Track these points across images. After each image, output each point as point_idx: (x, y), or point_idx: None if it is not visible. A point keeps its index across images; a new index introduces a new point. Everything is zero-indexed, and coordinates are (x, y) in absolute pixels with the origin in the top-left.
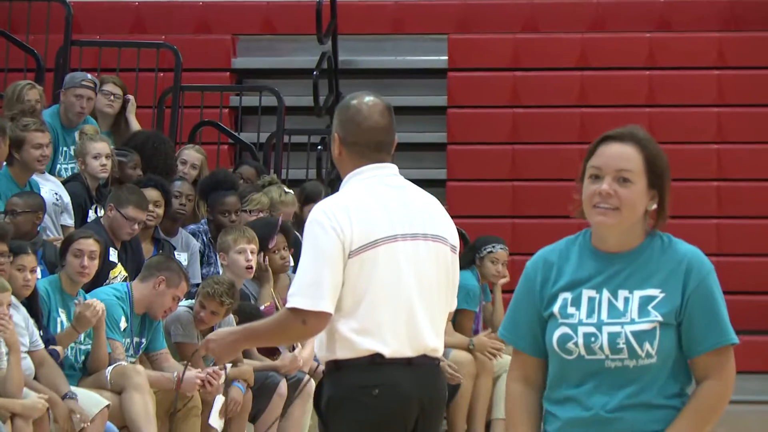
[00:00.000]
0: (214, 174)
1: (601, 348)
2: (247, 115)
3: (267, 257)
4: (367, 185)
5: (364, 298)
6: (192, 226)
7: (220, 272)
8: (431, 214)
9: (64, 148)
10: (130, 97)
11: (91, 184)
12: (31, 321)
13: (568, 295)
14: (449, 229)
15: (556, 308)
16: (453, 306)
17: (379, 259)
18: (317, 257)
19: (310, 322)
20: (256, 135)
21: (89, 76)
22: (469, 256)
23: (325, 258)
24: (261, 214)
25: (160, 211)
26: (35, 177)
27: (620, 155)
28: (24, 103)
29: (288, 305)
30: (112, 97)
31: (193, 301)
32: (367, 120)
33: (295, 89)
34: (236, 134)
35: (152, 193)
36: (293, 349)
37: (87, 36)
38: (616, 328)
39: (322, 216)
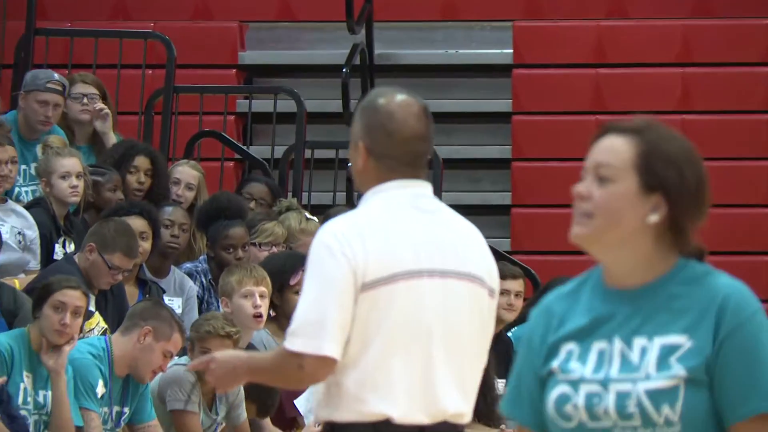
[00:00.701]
0: (215, 198)
1: (606, 412)
2: (259, 124)
3: (286, 298)
4: (391, 205)
5: (373, 343)
6: (188, 265)
7: None
8: (468, 248)
9: (23, 167)
10: (104, 107)
11: (58, 210)
12: None
13: (572, 347)
14: (489, 268)
15: (556, 363)
16: (484, 362)
17: (396, 298)
18: (323, 289)
19: (308, 367)
20: (270, 149)
21: (56, 76)
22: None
23: (333, 290)
24: (274, 249)
25: (147, 245)
26: None
27: (604, 148)
28: None
29: (285, 344)
30: (85, 100)
31: (187, 357)
32: (403, 127)
33: (319, 91)
34: (245, 147)
35: (137, 223)
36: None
37: (55, 23)
38: (627, 387)
39: (331, 239)
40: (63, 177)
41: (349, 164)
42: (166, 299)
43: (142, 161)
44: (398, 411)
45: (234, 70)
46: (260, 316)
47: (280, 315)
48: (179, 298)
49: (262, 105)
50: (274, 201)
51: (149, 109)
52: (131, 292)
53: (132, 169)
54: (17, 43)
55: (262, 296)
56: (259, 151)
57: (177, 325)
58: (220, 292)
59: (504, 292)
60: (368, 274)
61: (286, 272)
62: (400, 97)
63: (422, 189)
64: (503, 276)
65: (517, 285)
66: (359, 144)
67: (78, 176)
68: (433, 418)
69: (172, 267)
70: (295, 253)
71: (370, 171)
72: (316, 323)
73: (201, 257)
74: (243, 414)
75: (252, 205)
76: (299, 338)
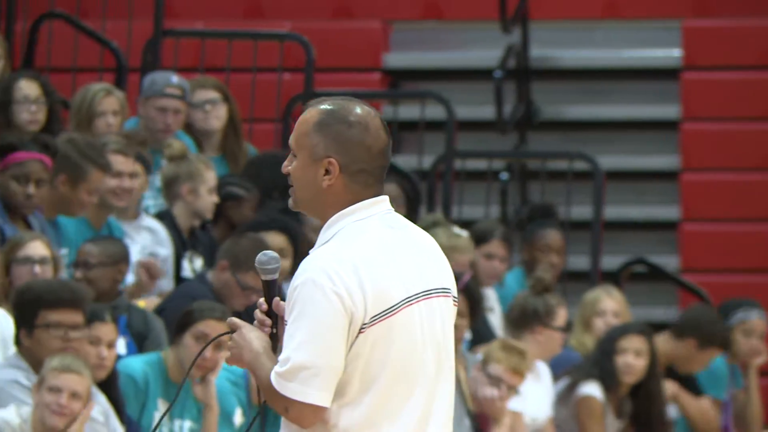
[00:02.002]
0: None
1: None
2: (405, 132)
3: None
4: (371, 231)
5: (376, 382)
6: None
7: None
8: (437, 261)
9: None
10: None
11: (184, 224)
12: (113, 414)
13: None
14: (451, 276)
15: None
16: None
17: (395, 331)
18: (315, 331)
19: (293, 413)
20: (417, 158)
21: (175, 79)
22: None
23: (326, 333)
24: None
25: (287, 264)
26: (121, 223)
27: None
28: (98, 115)
29: (273, 381)
30: (207, 107)
31: None
32: (377, 140)
33: (469, 96)
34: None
35: (276, 239)
36: None
37: (185, 23)
38: None
39: (322, 276)
40: (210, 191)
41: (504, 175)
42: None
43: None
44: None
45: (377, 74)
46: None
47: None
48: None
49: (409, 112)
50: (410, 203)
51: (286, 116)
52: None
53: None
54: (144, 45)
55: None
56: (405, 161)
57: None
58: None
59: None
60: (368, 313)
61: None
62: (363, 107)
63: (385, 204)
64: None
65: None
66: (327, 160)
67: (210, 192)
68: None
69: None
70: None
71: (338, 190)
72: (307, 369)
73: None
74: None
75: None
76: (290, 383)
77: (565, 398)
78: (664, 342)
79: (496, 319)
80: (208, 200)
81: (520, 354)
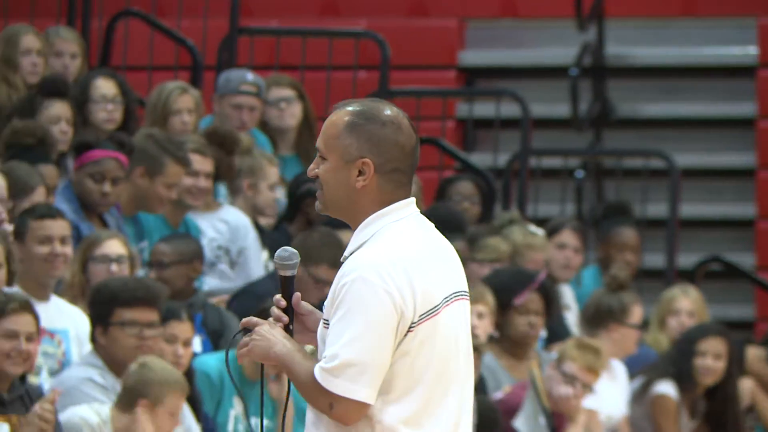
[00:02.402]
0: (434, 210)
1: None
2: (480, 130)
3: (509, 319)
4: (412, 231)
5: (422, 379)
6: None
7: None
8: (458, 263)
9: None
10: None
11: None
12: (190, 412)
13: None
14: (465, 281)
15: None
16: None
17: (439, 329)
18: (366, 328)
19: (339, 409)
20: (492, 156)
21: (250, 76)
22: None
23: (376, 331)
24: (496, 266)
25: None
26: (198, 215)
27: None
28: (173, 113)
29: (318, 377)
30: (282, 104)
31: None
32: (410, 139)
33: (545, 94)
34: (464, 156)
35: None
36: None
37: (260, 21)
38: None
39: (374, 275)
40: (271, 187)
41: (579, 173)
42: None
43: None
44: None
45: (453, 72)
46: (476, 336)
47: (503, 336)
48: None
49: (484, 109)
50: (485, 201)
51: None
52: None
53: None
54: (220, 43)
55: (479, 316)
56: (480, 159)
57: None
58: None
59: None
60: (417, 311)
61: (511, 290)
62: (392, 107)
63: (414, 205)
64: None
65: None
66: (362, 161)
67: (271, 188)
68: None
69: None
70: (523, 271)
71: (371, 190)
72: (356, 366)
73: None
74: None
75: (466, 204)
76: (337, 379)
77: (640, 397)
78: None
79: (572, 317)
80: (268, 196)
81: (595, 352)
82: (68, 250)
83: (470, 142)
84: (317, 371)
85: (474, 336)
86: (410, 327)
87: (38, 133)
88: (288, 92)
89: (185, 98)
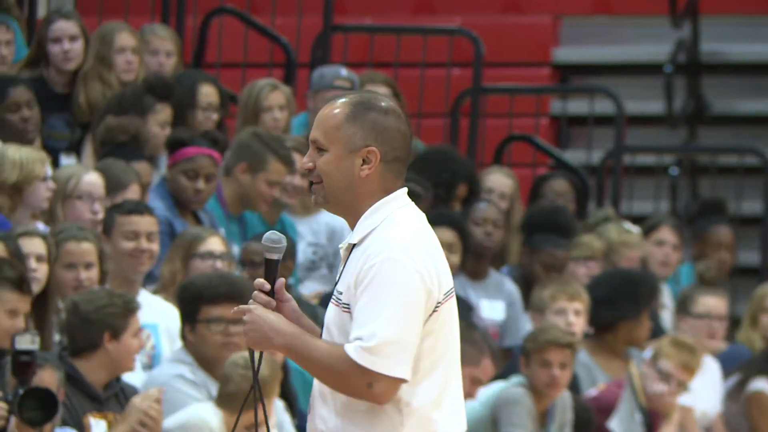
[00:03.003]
0: (540, 209)
1: None
2: (574, 127)
3: None
4: (415, 217)
5: (442, 360)
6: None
7: None
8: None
9: None
10: None
11: None
12: (284, 408)
13: None
14: None
15: None
16: None
17: (452, 314)
18: (400, 307)
19: (378, 388)
20: (586, 153)
21: (344, 72)
22: None
23: (409, 309)
24: (591, 263)
25: (456, 259)
26: (296, 218)
27: None
28: (264, 110)
29: (355, 357)
30: None
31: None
32: (409, 128)
33: (639, 91)
34: (558, 153)
35: (446, 235)
36: None
37: (354, 19)
38: None
39: (403, 255)
40: None
41: (674, 170)
42: (485, 303)
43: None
44: (461, 429)
45: (546, 69)
46: (572, 334)
47: (597, 333)
48: (500, 301)
49: (578, 106)
50: (579, 199)
51: (455, 111)
52: None
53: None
54: (314, 41)
55: (577, 313)
56: (574, 156)
57: (488, 350)
58: (531, 307)
59: None
60: (441, 291)
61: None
62: (384, 98)
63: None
64: None
65: None
66: (367, 150)
67: None
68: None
69: (491, 269)
70: (636, 273)
71: (374, 180)
72: (396, 344)
73: (503, 268)
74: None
75: (560, 202)
76: (377, 357)
77: (735, 394)
78: None
79: (669, 315)
80: None
81: (691, 350)
82: (155, 246)
83: (564, 140)
84: (353, 351)
85: (571, 333)
86: (436, 306)
87: (131, 130)
88: (383, 90)
89: (276, 95)
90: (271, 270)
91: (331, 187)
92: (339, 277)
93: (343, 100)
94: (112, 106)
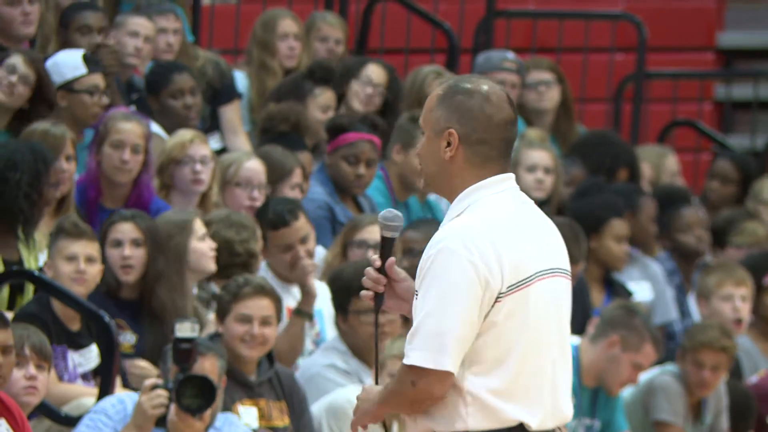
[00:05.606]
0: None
1: None
2: (738, 112)
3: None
4: (505, 204)
5: (513, 351)
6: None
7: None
8: (558, 241)
9: None
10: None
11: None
12: None
13: None
14: (568, 261)
15: None
16: None
17: (531, 301)
18: (447, 299)
19: (421, 383)
20: (750, 138)
21: (511, 55)
22: None
23: (456, 300)
24: (751, 251)
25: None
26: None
27: None
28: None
29: (404, 360)
30: (541, 87)
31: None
32: (500, 111)
33: None
34: (721, 138)
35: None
36: None
37: (517, 4)
38: None
39: (459, 245)
40: (530, 169)
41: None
42: (632, 286)
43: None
44: (535, 420)
45: (711, 54)
46: (739, 321)
47: (759, 319)
48: (646, 282)
49: (742, 91)
50: (743, 183)
51: (618, 96)
52: (596, 295)
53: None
54: (476, 26)
55: (743, 299)
56: (737, 141)
57: (650, 336)
58: (697, 292)
59: None
60: (505, 281)
61: (760, 271)
62: (489, 82)
63: (513, 181)
64: None
65: None
66: (447, 131)
67: (546, 171)
68: (558, 422)
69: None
70: None
71: (460, 162)
72: (436, 336)
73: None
74: (725, 422)
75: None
76: (417, 351)
77: None
78: None
79: None
80: (528, 180)
81: None
82: (311, 246)
83: (728, 124)
84: (405, 355)
85: (728, 336)
86: (498, 297)
87: (292, 119)
88: (547, 75)
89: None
90: (386, 247)
91: (426, 171)
92: None
93: (444, 84)
94: (273, 93)
